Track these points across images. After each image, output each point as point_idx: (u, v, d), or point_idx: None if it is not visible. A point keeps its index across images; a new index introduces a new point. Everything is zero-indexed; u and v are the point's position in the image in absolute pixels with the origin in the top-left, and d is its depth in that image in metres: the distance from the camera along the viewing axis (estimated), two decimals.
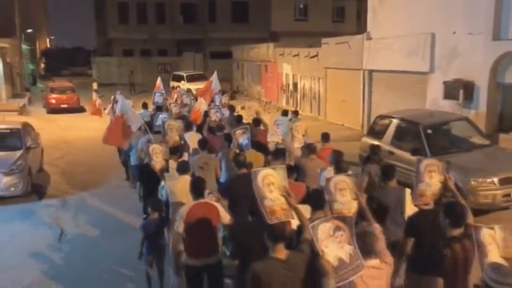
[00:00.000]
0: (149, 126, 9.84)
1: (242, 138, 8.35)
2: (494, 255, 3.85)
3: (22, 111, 24.53)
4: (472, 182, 8.27)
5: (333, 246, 3.59)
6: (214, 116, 10.75)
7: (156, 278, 6.23)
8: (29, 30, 45.54)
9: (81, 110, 25.97)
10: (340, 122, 19.44)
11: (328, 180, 4.75)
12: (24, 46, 41.27)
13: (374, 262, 3.70)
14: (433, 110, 12.55)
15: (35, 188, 11.16)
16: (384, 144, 10.35)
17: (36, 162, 12.01)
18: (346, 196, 4.58)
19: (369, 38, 17.38)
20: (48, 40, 76.37)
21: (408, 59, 15.05)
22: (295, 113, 12.49)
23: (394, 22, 16.00)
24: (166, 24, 44.51)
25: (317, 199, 4.77)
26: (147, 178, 7.63)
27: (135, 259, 6.58)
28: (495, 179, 8.27)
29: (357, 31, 27.60)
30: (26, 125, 12.31)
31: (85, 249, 7.94)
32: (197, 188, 5.23)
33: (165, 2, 44.16)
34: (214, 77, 14.46)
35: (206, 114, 11.27)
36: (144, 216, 7.53)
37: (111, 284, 6.72)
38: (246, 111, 12.98)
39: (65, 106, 25.84)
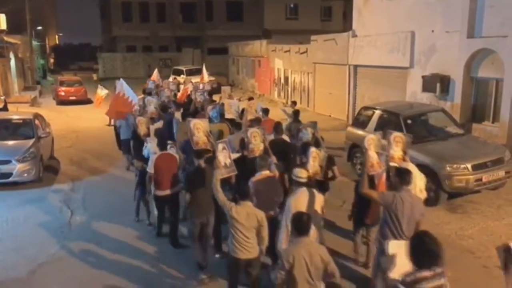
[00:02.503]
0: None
1: (211, 112, 10.00)
2: (314, 165, 6.14)
3: (33, 102, 24.35)
4: (448, 168, 8.32)
5: (222, 156, 6.19)
6: (199, 98, 12.49)
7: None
8: (39, 28, 45.05)
9: (88, 102, 25.79)
10: (328, 113, 19.45)
11: (246, 130, 7.03)
12: (35, 42, 40.86)
13: (266, 172, 5.93)
14: (413, 102, 12.60)
15: (47, 174, 11.12)
16: (368, 133, 10.38)
17: (47, 150, 11.94)
18: (257, 140, 6.78)
19: (354, 36, 17.34)
20: (57, 36, 75.41)
21: (390, 55, 15.06)
22: (294, 103, 13.56)
23: (377, 21, 15.97)
24: (166, 23, 44.09)
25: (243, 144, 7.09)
26: (136, 140, 9.50)
27: (141, 236, 7.48)
28: (468, 165, 8.32)
29: (343, 29, 27.47)
30: (37, 116, 12.20)
31: (93, 229, 7.93)
32: (162, 144, 7.25)
33: (166, 2, 43.66)
34: (204, 70, 18.54)
35: (191, 99, 13.18)
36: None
37: (119, 261, 6.71)
38: (222, 94, 14.08)
39: (73, 98, 25.64)
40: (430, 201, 8.61)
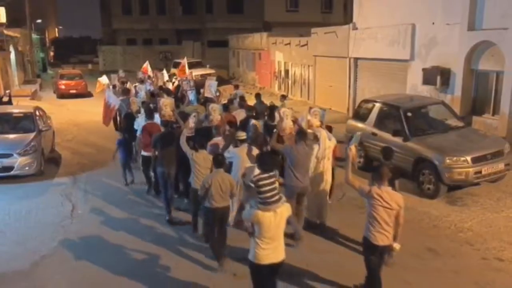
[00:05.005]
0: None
1: (190, 95, 12.49)
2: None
3: (34, 96, 24.32)
4: (447, 161, 8.35)
5: (191, 121, 8.28)
6: (186, 86, 14.07)
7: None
8: (39, 21, 44.90)
9: (89, 95, 25.78)
10: (328, 106, 19.36)
11: (208, 105, 9.19)
12: (35, 36, 40.74)
13: (219, 138, 7.80)
14: (413, 94, 12.57)
15: (48, 167, 11.16)
16: (368, 126, 10.41)
17: (48, 144, 11.97)
18: (216, 113, 8.72)
19: (355, 28, 17.28)
20: (56, 30, 75.23)
21: (391, 47, 15.03)
22: (284, 97, 13.83)
23: (378, 13, 15.92)
24: (166, 15, 43.96)
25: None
26: (128, 118, 10.86)
27: (141, 229, 7.54)
28: (468, 158, 8.35)
29: (344, 22, 27.30)
30: (38, 109, 12.21)
31: (95, 222, 7.98)
32: (148, 115, 9.16)
33: None
34: (185, 61, 19.15)
35: (179, 86, 15.12)
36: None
37: (120, 252, 6.78)
38: (206, 85, 15.34)
39: (73, 91, 25.62)
40: (430, 194, 8.68)
